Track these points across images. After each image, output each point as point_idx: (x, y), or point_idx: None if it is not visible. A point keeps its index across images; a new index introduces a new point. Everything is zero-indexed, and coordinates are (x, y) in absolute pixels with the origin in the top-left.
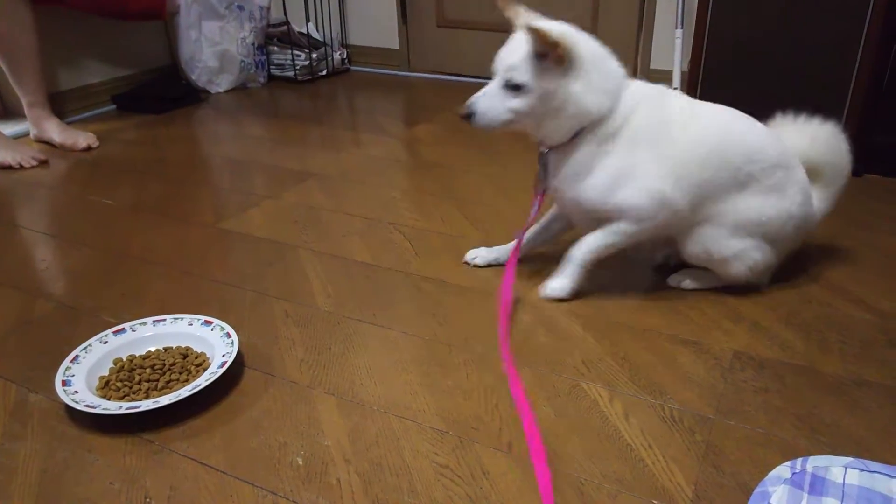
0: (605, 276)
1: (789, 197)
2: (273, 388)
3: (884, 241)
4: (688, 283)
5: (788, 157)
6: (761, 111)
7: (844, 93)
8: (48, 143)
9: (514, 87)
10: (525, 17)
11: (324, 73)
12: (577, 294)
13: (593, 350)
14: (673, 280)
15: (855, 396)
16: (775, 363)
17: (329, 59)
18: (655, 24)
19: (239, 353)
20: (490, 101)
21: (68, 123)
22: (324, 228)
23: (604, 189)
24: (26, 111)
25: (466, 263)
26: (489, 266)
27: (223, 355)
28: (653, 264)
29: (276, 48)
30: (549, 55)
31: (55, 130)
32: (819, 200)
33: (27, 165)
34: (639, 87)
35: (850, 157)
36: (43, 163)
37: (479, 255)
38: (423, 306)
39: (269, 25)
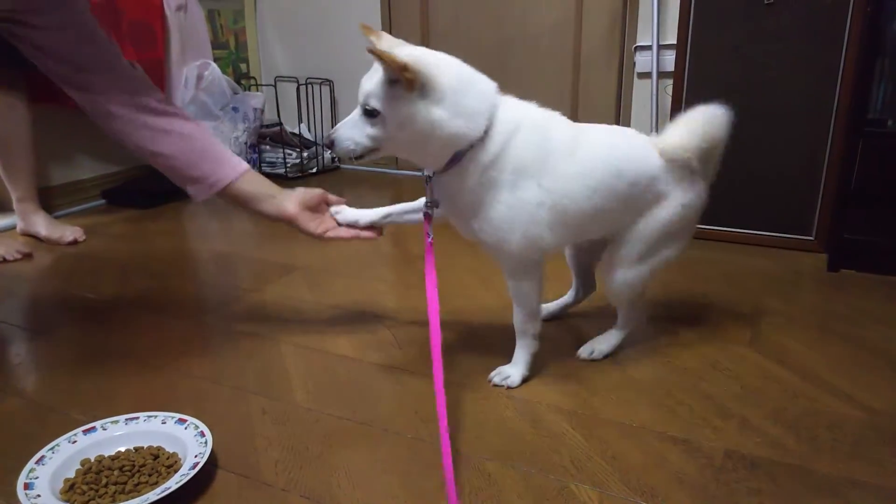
0: (590, 370)
1: (694, 194)
2: (246, 492)
3: (864, 336)
4: (597, 353)
5: (662, 168)
6: (736, 214)
7: (816, 192)
8: (34, 237)
9: (371, 114)
10: (386, 43)
11: (314, 170)
12: (562, 388)
13: (581, 448)
14: (584, 352)
15: (850, 498)
16: (767, 462)
17: (319, 157)
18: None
19: (212, 453)
20: (350, 130)
21: (57, 218)
22: (307, 322)
23: (499, 226)
24: (15, 205)
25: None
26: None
27: (195, 456)
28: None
29: (268, 147)
30: (398, 79)
31: (42, 224)
32: (703, 179)
33: (10, 258)
34: (518, 107)
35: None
36: (27, 256)
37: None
38: (406, 402)
39: (262, 126)
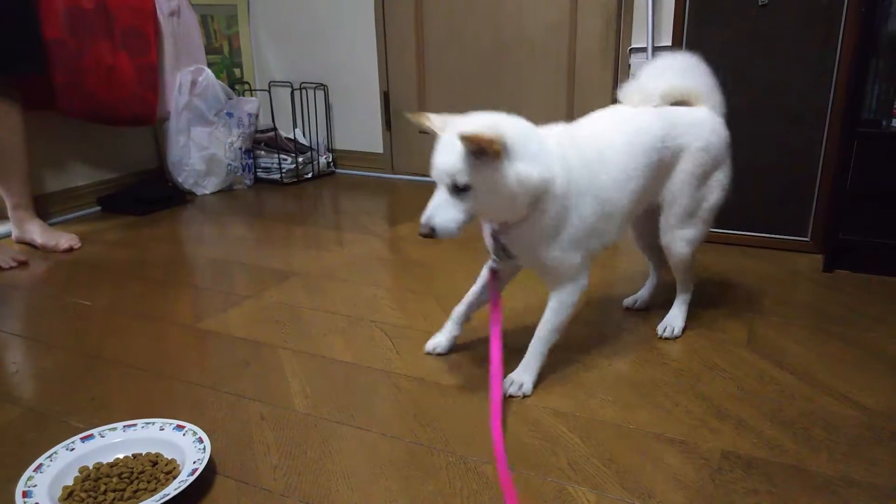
0: (586, 373)
1: (704, 136)
2: (245, 497)
3: (860, 336)
4: (678, 330)
5: (673, 115)
6: (732, 215)
7: (811, 193)
8: (30, 245)
9: (461, 190)
10: (438, 122)
11: (309, 175)
12: (560, 390)
13: (579, 450)
14: (667, 332)
15: (846, 497)
16: (763, 463)
17: (315, 162)
18: None
19: (211, 459)
20: (445, 213)
21: (52, 225)
22: (304, 327)
23: (570, 246)
24: (10, 213)
25: (430, 353)
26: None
27: (194, 462)
28: (624, 307)
29: (263, 152)
30: (487, 152)
31: (37, 232)
32: (714, 110)
33: (6, 266)
34: (552, 135)
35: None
36: (22, 264)
37: (440, 344)
38: (404, 406)
39: (256, 131)
